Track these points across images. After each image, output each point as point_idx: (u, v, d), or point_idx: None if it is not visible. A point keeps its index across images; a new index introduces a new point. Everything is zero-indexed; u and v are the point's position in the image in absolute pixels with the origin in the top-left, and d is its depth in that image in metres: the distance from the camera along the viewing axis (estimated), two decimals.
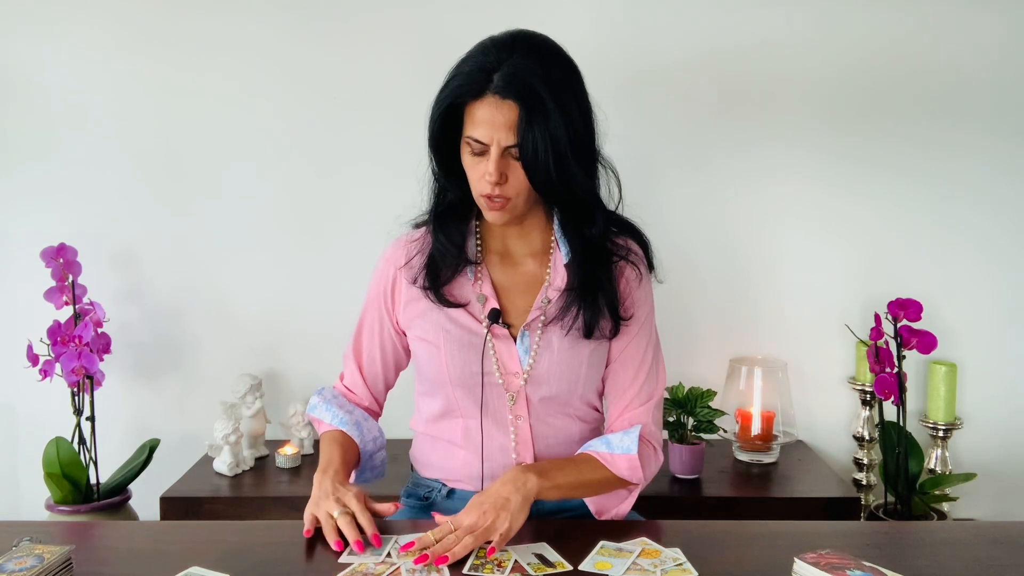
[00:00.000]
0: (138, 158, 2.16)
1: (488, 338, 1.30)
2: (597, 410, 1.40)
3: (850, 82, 2.13)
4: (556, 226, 1.32)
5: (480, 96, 1.18)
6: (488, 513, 1.12)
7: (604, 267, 1.30)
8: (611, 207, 1.32)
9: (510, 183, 1.21)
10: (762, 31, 2.12)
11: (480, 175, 1.21)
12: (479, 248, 1.34)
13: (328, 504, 1.17)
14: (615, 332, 1.31)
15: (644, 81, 2.13)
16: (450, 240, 1.31)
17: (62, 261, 1.97)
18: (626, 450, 1.28)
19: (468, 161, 1.23)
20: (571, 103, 1.19)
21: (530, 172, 1.19)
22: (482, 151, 1.20)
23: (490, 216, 1.25)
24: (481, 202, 1.25)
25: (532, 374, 1.30)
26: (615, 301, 1.30)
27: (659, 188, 2.15)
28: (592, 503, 1.31)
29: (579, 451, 1.32)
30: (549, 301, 1.31)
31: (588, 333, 1.29)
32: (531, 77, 1.16)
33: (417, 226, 1.38)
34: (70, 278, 1.98)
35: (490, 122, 1.17)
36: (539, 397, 1.31)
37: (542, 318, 1.31)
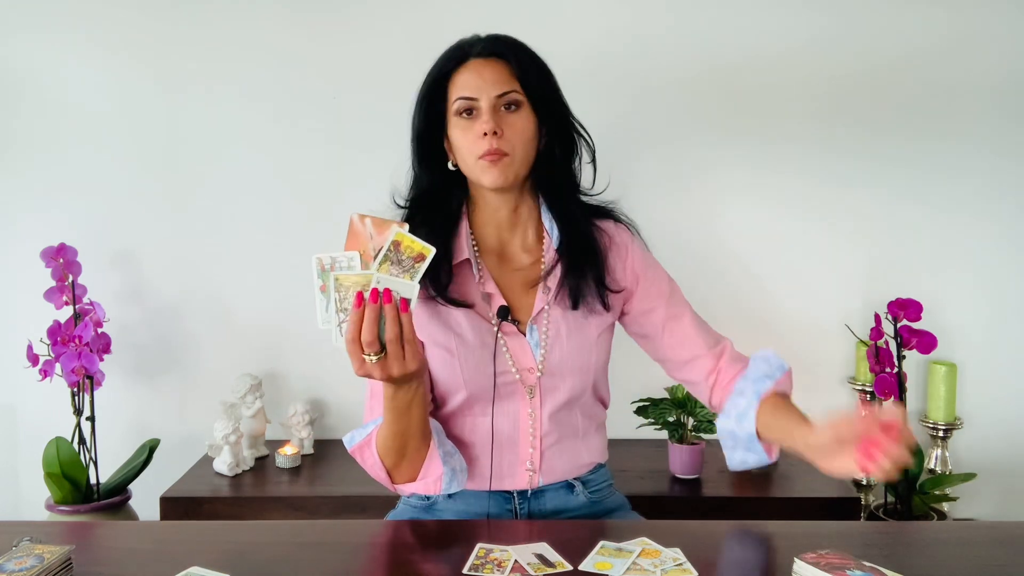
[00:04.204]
0: (138, 158, 2.16)
1: (499, 336, 1.30)
2: (603, 403, 1.42)
3: (851, 81, 2.13)
4: (544, 211, 1.35)
5: (463, 62, 1.26)
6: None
7: (590, 240, 1.34)
8: (591, 192, 1.38)
9: (506, 136, 1.24)
10: (763, 30, 2.12)
11: (475, 136, 1.24)
12: (475, 248, 1.34)
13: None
14: (602, 301, 1.33)
15: (643, 81, 2.13)
16: (434, 234, 1.27)
17: (62, 261, 1.97)
18: (778, 369, 1.31)
19: (459, 133, 1.26)
20: (543, 62, 1.29)
21: (533, 95, 1.25)
22: (472, 109, 1.24)
23: (489, 178, 1.25)
24: (479, 166, 1.25)
25: (546, 366, 1.31)
26: (602, 272, 1.33)
27: (659, 188, 2.14)
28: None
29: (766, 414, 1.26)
30: (549, 289, 1.32)
31: (576, 303, 1.31)
32: (512, 39, 1.28)
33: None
34: (70, 278, 1.98)
35: (477, 78, 1.24)
36: (554, 390, 1.32)
37: (546, 307, 1.31)
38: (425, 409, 1.23)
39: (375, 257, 1.08)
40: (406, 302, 1.08)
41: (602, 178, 1.38)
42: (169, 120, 2.15)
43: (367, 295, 1.07)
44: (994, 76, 2.12)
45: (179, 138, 2.16)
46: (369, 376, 1.10)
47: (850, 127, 2.14)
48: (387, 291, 1.07)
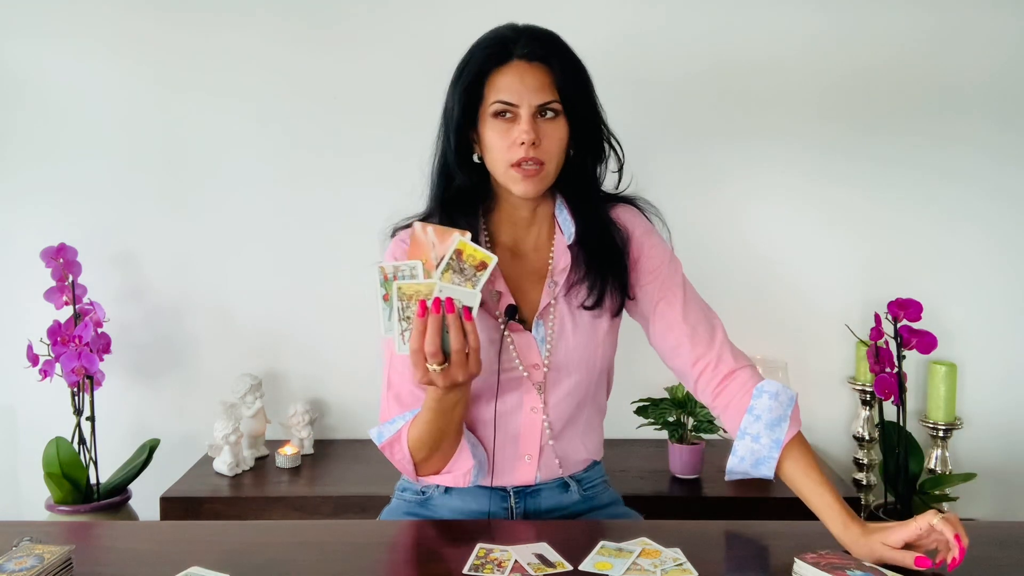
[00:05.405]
0: (138, 159, 2.16)
1: (506, 334, 1.29)
2: (607, 393, 1.42)
3: (851, 80, 2.13)
4: (558, 210, 1.33)
5: (505, 62, 1.22)
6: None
7: (611, 244, 1.31)
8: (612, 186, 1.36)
9: (543, 146, 1.22)
10: (765, 28, 2.12)
11: (511, 142, 1.21)
12: (489, 246, 1.33)
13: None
14: (620, 306, 1.32)
15: (645, 78, 2.13)
16: (456, 227, 1.25)
17: (62, 261, 1.97)
18: (788, 403, 1.25)
19: (494, 135, 1.23)
20: (584, 68, 1.27)
21: (571, 106, 1.23)
22: (511, 116, 1.21)
23: (522, 188, 1.23)
24: (511, 175, 1.23)
25: (552, 362, 1.30)
26: (624, 275, 1.31)
27: (658, 186, 2.12)
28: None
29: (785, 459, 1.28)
30: (556, 284, 1.31)
31: (597, 303, 1.29)
32: (554, 39, 1.24)
33: (410, 225, 1.32)
34: (70, 278, 1.98)
35: (519, 83, 1.21)
36: (560, 385, 1.31)
37: (553, 302, 1.31)
38: (467, 407, 1.24)
39: (437, 266, 1.09)
40: (468, 310, 1.08)
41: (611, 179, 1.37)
42: (169, 121, 2.15)
43: (430, 304, 1.07)
44: (997, 76, 2.11)
45: (179, 139, 2.15)
46: (431, 384, 1.12)
47: (850, 128, 2.14)
48: (449, 300, 1.08)
